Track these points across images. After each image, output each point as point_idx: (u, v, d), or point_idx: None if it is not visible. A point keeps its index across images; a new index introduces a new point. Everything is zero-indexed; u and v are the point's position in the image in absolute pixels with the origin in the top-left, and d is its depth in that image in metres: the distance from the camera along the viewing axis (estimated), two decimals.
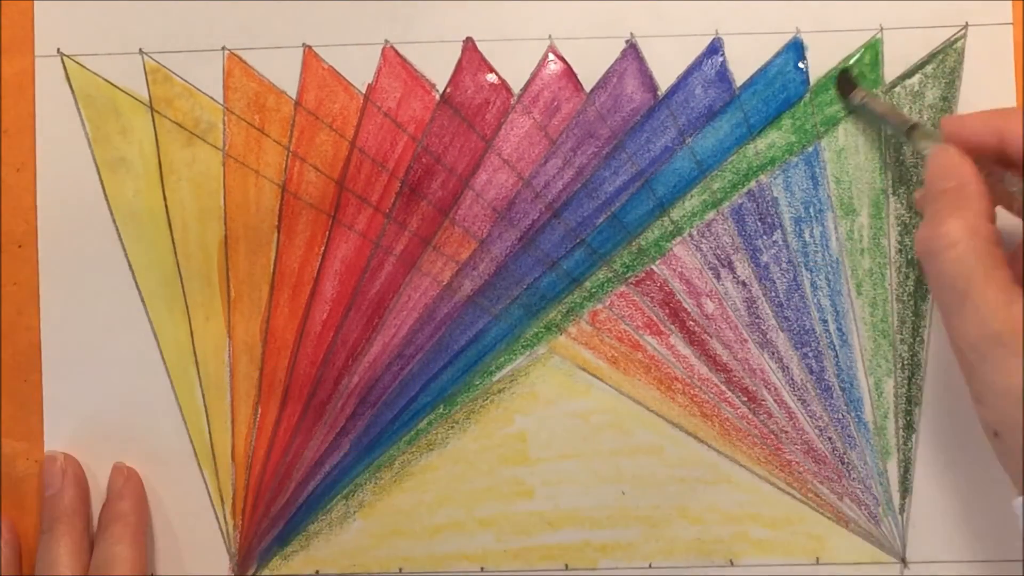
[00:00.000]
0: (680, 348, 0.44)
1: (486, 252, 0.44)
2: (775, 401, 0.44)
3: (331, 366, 0.44)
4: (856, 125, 0.44)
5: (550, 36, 0.44)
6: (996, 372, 0.34)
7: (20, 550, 0.43)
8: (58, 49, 0.44)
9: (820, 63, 0.44)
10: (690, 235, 0.44)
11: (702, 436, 0.44)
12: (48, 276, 0.44)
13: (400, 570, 0.44)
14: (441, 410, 0.44)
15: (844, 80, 0.44)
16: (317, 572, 0.44)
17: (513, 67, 0.44)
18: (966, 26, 0.44)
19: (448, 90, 0.44)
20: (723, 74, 0.44)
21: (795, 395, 0.44)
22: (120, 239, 0.44)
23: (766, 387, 0.44)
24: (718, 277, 0.44)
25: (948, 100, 0.44)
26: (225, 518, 0.44)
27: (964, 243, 0.35)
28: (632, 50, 0.44)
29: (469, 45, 0.44)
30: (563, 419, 0.44)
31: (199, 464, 0.44)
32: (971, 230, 0.35)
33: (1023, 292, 0.34)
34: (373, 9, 0.44)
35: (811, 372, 0.44)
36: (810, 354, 0.44)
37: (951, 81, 0.44)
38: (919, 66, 0.44)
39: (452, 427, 0.44)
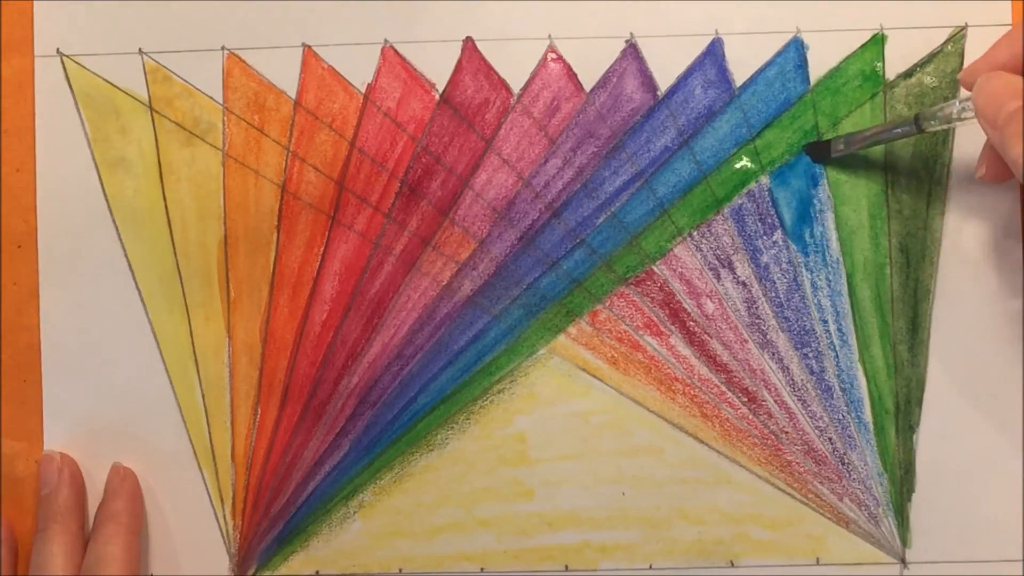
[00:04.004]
0: (680, 349, 0.44)
1: (486, 252, 0.44)
2: (775, 402, 0.44)
3: (331, 366, 0.44)
4: (856, 124, 0.44)
5: (550, 36, 0.44)
6: None
7: (17, 550, 0.43)
8: (58, 49, 0.44)
9: (820, 63, 0.44)
10: (690, 235, 0.44)
11: (702, 437, 0.44)
12: (48, 276, 0.44)
13: (400, 570, 0.44)
14: (441, 410, 0.44)
15: (813, 148, 0.44)
16: (317, 572, 0.44)
17: (513, 67, 0.44)
18: (966, 26, 0.44)
19: (448, 90, 0.44)
20: (723, 74, 0.44)
21: (795, 396, 0.44)
22: (120, 239, 0.44)
23: (766, 387, 0.44)
24: (718, 277, 0.44)
25: (948, 100, 0.44)
26: (225, 518, 0.44)
27: None
28: (632, 50, 0.44)
29: (469, 45, 0.44)
30: (563, 419, 0.44)
31: (199, 464, 0.44)
32: None
33: None
34: (373, 9, 0.44)
35: (811, 372, 0.44)
36: (810, 354, 0.44)
37: (951, 81, 0.44)
38: (919, 66, 0.44)
39: (452, 427, 0.44)
